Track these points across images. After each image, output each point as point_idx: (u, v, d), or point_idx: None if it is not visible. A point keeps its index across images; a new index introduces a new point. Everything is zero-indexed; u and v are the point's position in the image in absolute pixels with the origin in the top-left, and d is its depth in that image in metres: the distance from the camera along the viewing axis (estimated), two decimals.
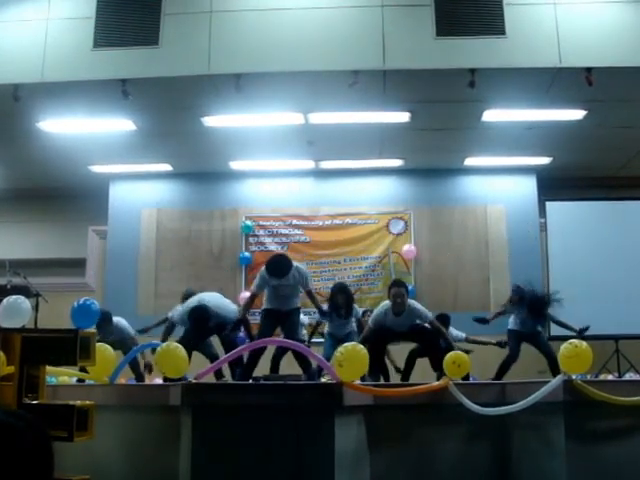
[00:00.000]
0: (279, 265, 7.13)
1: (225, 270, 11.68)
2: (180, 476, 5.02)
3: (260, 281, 7.27)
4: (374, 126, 9.95)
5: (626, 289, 10.40)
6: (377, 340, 7.41)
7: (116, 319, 8.46)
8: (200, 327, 7.54)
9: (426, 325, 7.62)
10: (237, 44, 8.27)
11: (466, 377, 7.08)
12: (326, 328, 8.72)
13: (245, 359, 7.05)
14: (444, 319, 8.49)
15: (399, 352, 8.64)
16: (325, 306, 8.21)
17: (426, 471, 5.41)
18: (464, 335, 9.03)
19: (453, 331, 8.77)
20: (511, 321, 8.47)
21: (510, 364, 8.23)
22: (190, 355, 6.75)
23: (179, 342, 7.08)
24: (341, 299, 8.26)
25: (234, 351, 6.16)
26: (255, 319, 8.99)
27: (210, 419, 5.01)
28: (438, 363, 7.00)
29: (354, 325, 8.60)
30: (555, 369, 7.47)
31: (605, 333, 9.86)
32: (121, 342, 8.20)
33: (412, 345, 8.38)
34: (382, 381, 7.79)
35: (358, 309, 8.83)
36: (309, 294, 7.41)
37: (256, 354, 7.00)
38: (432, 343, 7.50)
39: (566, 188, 11.40)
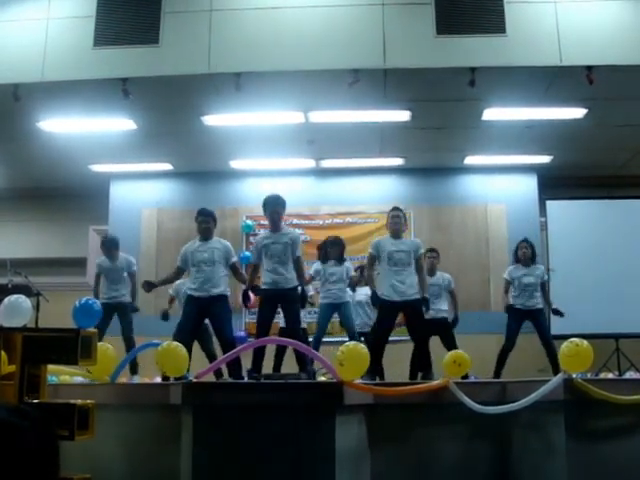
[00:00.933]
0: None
1: None
2: (181, 475, 5.03)
3: (255, 249, 7.29)
4: (374, 125, 9.96)
5: (627, 288, 10.41)
6: (378, 336, 7.40)
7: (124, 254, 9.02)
8: None
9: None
10: (237, 43, 8.28)
11: (465, 375, 7.11)
12: (320, 296, 8.76)
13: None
14: None
15: (397, 352, 8.66)
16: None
17: (426, 470, 5.42)
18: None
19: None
20: (511, 296, 8.47)
21: (507, 352, 8.20)
22: (191, 345, 6.76)
23: (178, 327, 7.10)
24: (333, 252, 8.66)
25: (234, 350, 6.16)
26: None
27: (211, 418, 5.01)
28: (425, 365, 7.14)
29: (349, 290, 8.81)
30: (555, 362, 7.52)
31: (605, 332, 9.89)
32: (123, 271, 8.93)
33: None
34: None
35: (349, 266, 9.04)
36: (297, 262, 7.14)
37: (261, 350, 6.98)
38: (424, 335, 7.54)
39: (566, 187, 11.41)
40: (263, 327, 7.03)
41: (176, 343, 5.65)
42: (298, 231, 11.62)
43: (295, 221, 11.83)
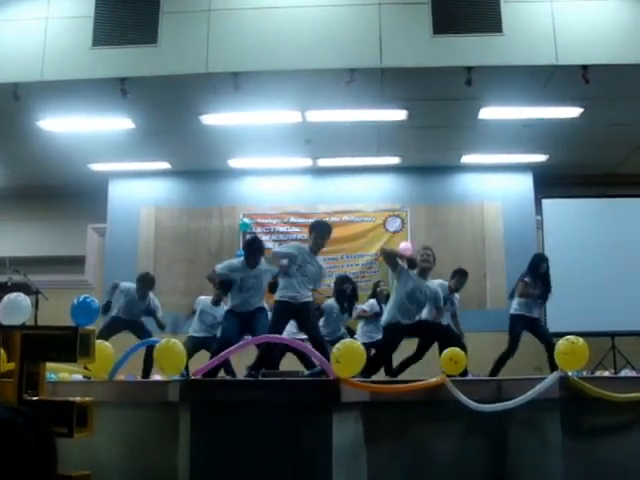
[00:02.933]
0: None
1: None
2: (179, 472, 5.06)
3: (291, 250, 7.37)
4: (371, 124, 9.99)
5: (622, 286, 10.45)
6: (389, 342, 7.47)
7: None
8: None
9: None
10: (235, 42, 8.30)
11: (464, 373, 7.13)
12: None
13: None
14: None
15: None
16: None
17: (423, 467, 5.45)
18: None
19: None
20: (514, 305, 8.48)
21: (508, 358, 8.23)
22: None
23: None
24: (349, 289, 8.77)
25: (233, 347, 6.18)
26: None
27: (209, 415, 5.05)
28: None
29: (344, 330, 8.81)
30: (553, 361, 7.58)
31: (601, 330, 9.94)
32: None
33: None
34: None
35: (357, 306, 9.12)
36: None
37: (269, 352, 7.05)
38: (446, 338, 7.49)
39: (562, 186, 11.46)
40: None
41: (174, 340, 5.67)
42: (295, 229, 11.76)
43: (292, 219, 11.87)
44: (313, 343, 6.93)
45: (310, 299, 7.25)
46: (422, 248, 7.77)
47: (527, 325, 8.36)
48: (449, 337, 7.45)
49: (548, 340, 8.17)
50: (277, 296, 7.20)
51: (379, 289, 9.47)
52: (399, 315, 7.37)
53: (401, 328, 7.38)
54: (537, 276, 8.40)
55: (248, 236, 10.59)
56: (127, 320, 8.98)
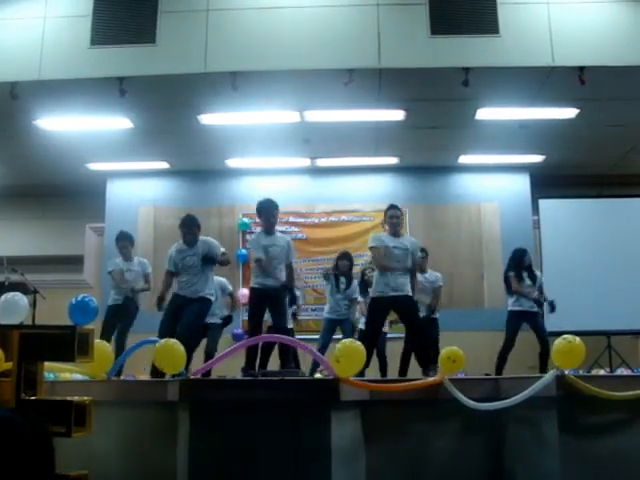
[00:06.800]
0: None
1: (222, 267, 11.69)
2: (178, 471, 5.06)
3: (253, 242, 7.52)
4: (369, 124, 10.02)
5: (618, 285, 10.49)
6: (371, 332, 7.45)
7: None
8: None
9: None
10: (233, 42, 8.32)
11: None
12: (325, 310, 8.86)
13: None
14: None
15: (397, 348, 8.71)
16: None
17: (421, 465, 5.47)
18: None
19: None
20: (510, 301, 8.53)
21: (507, 353, 8.27)
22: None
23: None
24: (343, 266, 8.93)
25: (231, 347, 6.19)
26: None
27: (207, 415, 5.05)
28: (424, 359, 7.09)
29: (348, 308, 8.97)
30: (544, 358, 7.67)
31: (597, 329, 9.98)
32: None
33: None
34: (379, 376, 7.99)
35: (355, 285, 9.21)
36: (289, 267, 7.37)
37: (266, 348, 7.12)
38: (422, 332, 7.50)
39: (559, 186, 11.50)
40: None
41: (174, 340, 5.68)
42: (294, 229, 11.77)
43: (291, 219, 11.88)
44: (276, 333, 7.05)
45: (282, 283, 7.23)
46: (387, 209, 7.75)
47: (525, 319, 8.40)
48: None
49: (542, 336, 8.23)
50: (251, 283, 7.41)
51: (366, 277, 9.46)
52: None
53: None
54: (522, 269, 8.49)
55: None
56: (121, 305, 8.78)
